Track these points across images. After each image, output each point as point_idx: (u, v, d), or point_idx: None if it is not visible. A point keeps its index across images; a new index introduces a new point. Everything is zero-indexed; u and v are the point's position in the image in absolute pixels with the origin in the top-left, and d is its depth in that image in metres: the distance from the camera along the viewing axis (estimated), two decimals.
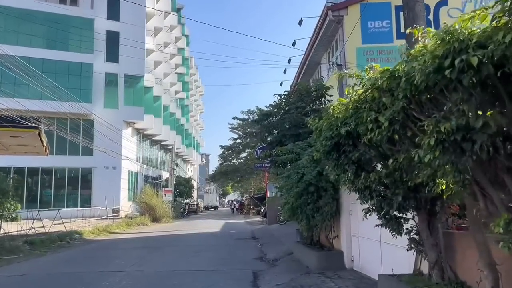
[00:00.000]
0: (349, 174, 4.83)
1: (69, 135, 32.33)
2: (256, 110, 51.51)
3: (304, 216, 9.71)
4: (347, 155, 4.87)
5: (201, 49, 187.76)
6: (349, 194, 8.73)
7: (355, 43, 12.31)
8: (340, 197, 9.00)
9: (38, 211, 20.16)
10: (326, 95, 10.86)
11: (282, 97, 10.58)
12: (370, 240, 7.60)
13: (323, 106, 10.68)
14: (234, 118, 52.30)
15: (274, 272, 9.42)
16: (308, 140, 9.46)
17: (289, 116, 10.15)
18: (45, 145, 16.55)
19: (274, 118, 10.96)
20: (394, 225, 5.07)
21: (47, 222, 20.31)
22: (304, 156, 8.40)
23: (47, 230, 18.50)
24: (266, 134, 11.03)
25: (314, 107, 10.62)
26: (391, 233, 5.25)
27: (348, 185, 5.23)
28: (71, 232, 18.64)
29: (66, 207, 32.41)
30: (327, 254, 8.98)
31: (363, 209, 5.24)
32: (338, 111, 4.98)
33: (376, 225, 5.28)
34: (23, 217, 27.86)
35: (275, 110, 10.73)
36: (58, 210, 19.75)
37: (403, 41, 9.58)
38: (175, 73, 54.32)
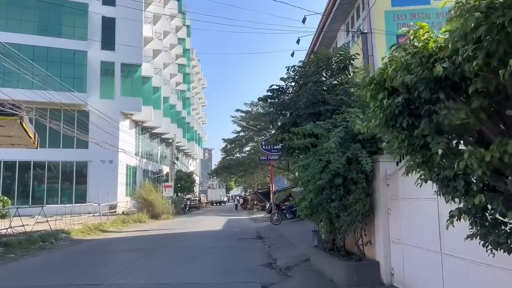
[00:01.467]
0: (439, 151, 2.80)
1: (63, 127, 30.54)
2: (261, 102, 50.00)
3: (325, 215, 7.73)
4: (432, 120, 2.86)
5: (204, 41, 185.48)
6: (388, 186, 6.77)
7: (384, 6, 10.22)
8: (375, 192, 7.00)
9: (18, 208, 18.24)
10: (350, 67, 8.83)
11: (296, 69, 8.53)
12: (423, 250, 5.62)
13: (347, 79, 8.66)
14: (237, 110, 50.43)
15: (290, 286, 7.46)
16: (332, 120, 7.45)
17: (306, 91, 8.14)
18: (31, 135, 14.79)
19: (285, 96, 8.93)
20: (501, 237, 3.07)
21: (40, 219, 18.54)
22: (332, 138, 6.40)
23: (31, 229, 16.63)
24: (276, 115, 9.00)
25: (335, 81, 8.59)
26: (488, 247, 3.24)
27: (427, 172, 3.22)
28: (57, 232, 16.73)
29: (60, 203, 30.63)
30: (358, 265, 6.98)
31: (450, 212, 3.22)
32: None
33: (468, 237, 3.27)
34: (15, 213, 26.27)
35: (288, 84, 8.67)
36: (42, 206, 17.81)
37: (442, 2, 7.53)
38: (176, 63, 52.27)
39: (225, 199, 72.84)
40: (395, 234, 6.59)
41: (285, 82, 8.57)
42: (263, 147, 26.78)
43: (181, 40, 56.06)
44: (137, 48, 35.76)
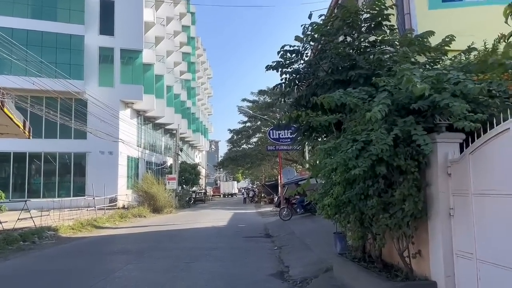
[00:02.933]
0: None
1: (59, 117, 28.84)
2: (268, 90, 47.86)
3: (356, 216, 5.81)
4: None
5: (208, 29, 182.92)
6: (449, 176, 4.81)
7: None
8: (430, 185, 5.04)
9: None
10: (384, 26, 6.82)
11: (315, 28, 6.54)
12: None
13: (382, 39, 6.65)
14: (244, 100, 48.56)
15: None
16: (368, 88, 5.48)
17: (330, 52, 6.17)
18: (17, 123, 13.08)
19: (301, 61, 6.95)
20: None
21: (34, 214, 16.96)
22: (375, 106, 4.43)
23: (13, 226, 14.95)
24: (289, 87, 7.04)
25: (366, 41, 6.59)
26: None
27: None
28: (42, 229, 15.01)
29: (58, 197, 29.00)
30: (408, 286, 5.05)
31: None
32: None
33: None
34: (10, 207, 24.70)
35: (305, 45, 6.67)
36: (26, 201, 16.06)
37: None
38: (180, 51, 50.28)
39: (236, 191, 76.42)
40: (462, 245, 4.65)
41: (301, 42, 6.57)
42: (271, 136, 24.87)
43: (185, 28, 54.00)
44: (138, 32, 33.90)
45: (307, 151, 17.54)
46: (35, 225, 15.19)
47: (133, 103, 34.86)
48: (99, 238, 15.09)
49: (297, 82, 7.05)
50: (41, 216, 16.29)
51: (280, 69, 6.92)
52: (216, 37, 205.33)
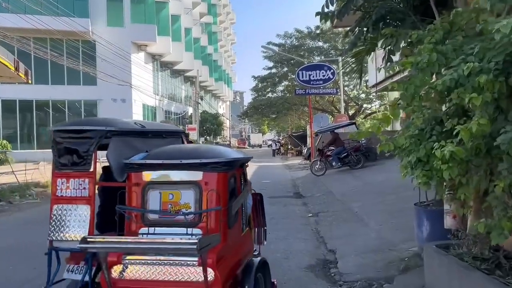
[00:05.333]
0: None
1: (66, 61, 26.07)
2: (296, 33, 43.47)
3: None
4: None
5: None
6: None
7: None
8: None
9: None
10: None
11: None
12: None
13: None
14: (269, 43, 44.27)
15: None
16: None
17: None
18: (7, 64, 10.81)
19: None
20: None
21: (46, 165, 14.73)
22: None
23: None
24: None
25: None
26: None
27: None
28: (26, 186, 12.56)
29: None
30: None
31: None
32: None
33: None
34: (19, 159, 22.69)
35: None
36: (5, 152, 13.54)
37: None
38: None
39: (261, 143, 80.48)
40: None
41: None
42: (300, 78, 21.34)
43: None
44: None
45: (374, 59, 13.30)
46: (18, 181, 12.71)
47: (146, 46, 31.57)
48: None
49: None
50: (23, 170, 13.78)
51: None
52: None
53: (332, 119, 29.53)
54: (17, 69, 11.83)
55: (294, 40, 41.93)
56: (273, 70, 43.98)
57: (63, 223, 3.00)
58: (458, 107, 2.89)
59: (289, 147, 40.97)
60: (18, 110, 27.95)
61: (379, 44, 4.49)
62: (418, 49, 2.94)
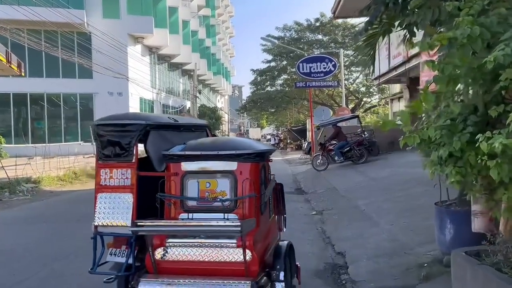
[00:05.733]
0: None
1: (61, 53, 25.46)
2: (295, 26, 42.81)
3: None
4: None
5: None
6: None
7: None
8: None
9: None
10: None
11: None
12: None
13: None
14: (268, 35, 43.62)
15: None
16: None
17: None
18: None
19: None
20: None
21: (39, 160, 14.35)
22: None
23: None
24: None
25: None
26: None
27: None
28: (17, 181, 12.07)
29: (64, 142, 26.45)
30: None
31: None
32: None
33: None
34: (14, 153, 22.13)
35: None
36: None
37: None
38: None
39: (260, 137, 77.37)
40: None
41: None
42: (301, 70, 20.80)
43: None
44: None
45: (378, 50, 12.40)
46: (8, 176, 12.20)
47: (143, 38, 30.92)
48: (83, 193, 11.90)
49: None
50: (43, 163, 13.28)
51: None
52: None
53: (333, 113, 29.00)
54: (9, 61, 11.35)
55: (294, 33, 41.32)
56: (272, 64, 43.36)
57: (107, 210, 3.17)
58: (510, 91, 2.42)
59: (288, 141, 40.49)
60: (12, 104, 27.34)
61: (396, 24, 4.01)
62: (456, 22, 2.46)
